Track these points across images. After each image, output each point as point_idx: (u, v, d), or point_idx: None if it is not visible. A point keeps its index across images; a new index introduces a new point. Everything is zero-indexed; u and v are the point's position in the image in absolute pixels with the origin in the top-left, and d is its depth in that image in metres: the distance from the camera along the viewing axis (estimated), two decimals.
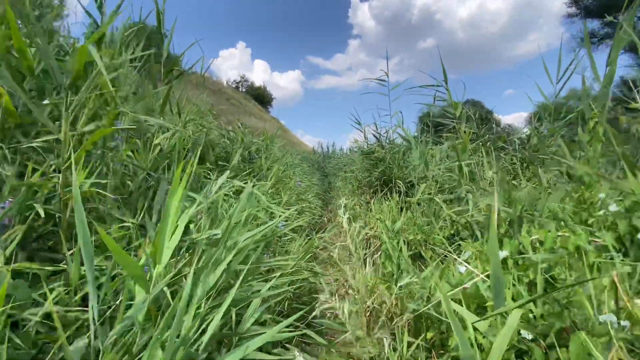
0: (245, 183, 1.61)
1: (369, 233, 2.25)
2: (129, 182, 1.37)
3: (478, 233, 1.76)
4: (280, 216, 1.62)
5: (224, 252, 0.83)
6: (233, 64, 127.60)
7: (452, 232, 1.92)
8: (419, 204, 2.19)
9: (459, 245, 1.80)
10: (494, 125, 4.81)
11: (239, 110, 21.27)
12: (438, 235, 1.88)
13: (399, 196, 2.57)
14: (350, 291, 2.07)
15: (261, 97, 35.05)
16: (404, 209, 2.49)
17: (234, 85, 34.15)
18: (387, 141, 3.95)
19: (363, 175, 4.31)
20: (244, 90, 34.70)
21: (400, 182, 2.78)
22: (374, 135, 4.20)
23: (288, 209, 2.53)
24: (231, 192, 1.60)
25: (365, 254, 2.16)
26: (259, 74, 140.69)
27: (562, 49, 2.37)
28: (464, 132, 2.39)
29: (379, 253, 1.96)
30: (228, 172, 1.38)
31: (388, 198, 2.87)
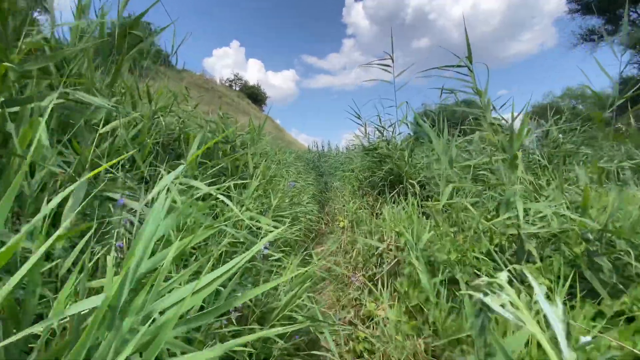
0: (207, 184, 1.14)
1: (380, 247, 1.78)
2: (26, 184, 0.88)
3: (532, 250, 1.31)
4: (264, 233, 1.16)
5: (111, 344, 0.36)
6: (227, 62, 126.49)
7: (493, 247, 1.46)
8: (443, 210, 1.73)
9: (506, 267, 1.34)
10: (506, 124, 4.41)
11: (231, 108, 20.67)
12: (474, 251, 1.43)
13: (414, 199, 2.11)
14: (361, 324, 1.60)
15: (255, 96, 34.42)
16: (421, 215, 2.03)
17: (227, 84, 33.44)
18: (393, 136, 3.48)
19: (365, 174, 3.85)
20: (237, 88, 34.02)
21: (413, 182, 2.32)
22: (378, 129, 3.74)
23: (278, 217, 2.05)
24: (189, 199, 1.11)
25: (376, 275, 1.69)
26: (253, 73, 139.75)
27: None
28: (495, 123, 1.94)
29: (399, 276, 1.50)
30: (183, 167, 0.89)
31: (399, 201, 2.41)
